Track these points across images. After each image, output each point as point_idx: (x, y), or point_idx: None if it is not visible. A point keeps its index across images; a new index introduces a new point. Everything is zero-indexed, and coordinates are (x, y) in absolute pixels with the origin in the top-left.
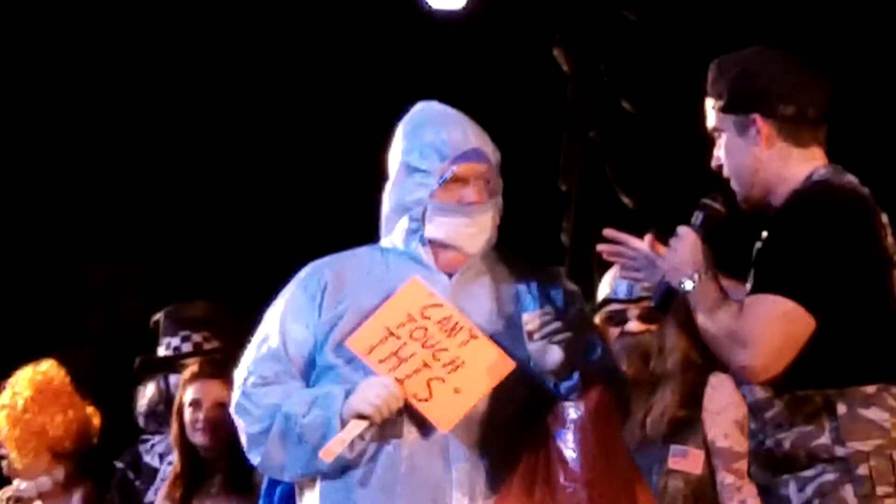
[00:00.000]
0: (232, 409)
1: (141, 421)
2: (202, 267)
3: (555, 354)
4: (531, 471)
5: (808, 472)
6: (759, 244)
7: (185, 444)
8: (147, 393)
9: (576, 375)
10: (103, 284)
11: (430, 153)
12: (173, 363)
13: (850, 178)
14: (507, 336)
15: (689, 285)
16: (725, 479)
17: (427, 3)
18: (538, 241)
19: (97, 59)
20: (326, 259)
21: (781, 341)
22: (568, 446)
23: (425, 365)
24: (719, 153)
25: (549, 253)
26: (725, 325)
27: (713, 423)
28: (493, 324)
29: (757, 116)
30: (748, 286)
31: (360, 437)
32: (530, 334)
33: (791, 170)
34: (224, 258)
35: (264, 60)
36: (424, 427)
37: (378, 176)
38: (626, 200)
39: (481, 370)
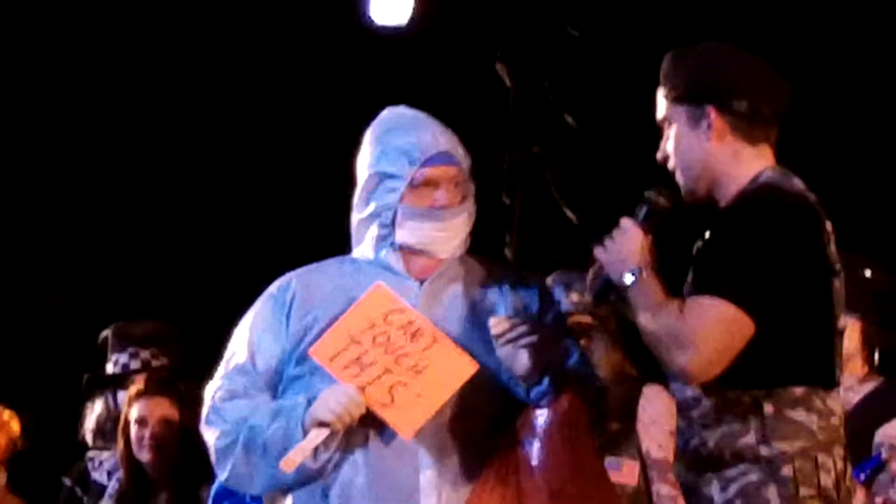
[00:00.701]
0: (202, 424)
1: (88, 438)
2: (146, 287)
3: (523, 359)
4: (501, 478)
5: (732, 472)
6: (700, 242)
7: (130, 462)
8: (95, 409)
9: (546, 381)
10: (51, 307)
11: (399, 157)
12: (121, 380)
13: (798, 183)
14: (479, 342)
15: (629, 280)
16: (661, 489)
17: (371, 19)
18: (483, 255)
19: (45, 81)
20: (295, 271)
21: (722, 345)
22: (535, 454)
23: (387, 370)
24: (667, 145)
25: None
26: (666, 324)
27: (647, 434)
28: (464, 330)
29: (711, 109)
30: (687, 284)
31: (325, 446)
32: (496, 338)
33: (739, 167)
34: (168, 278)
35: (207, 76)
36: (389, 434)
37: (323, 191)
38: (569, 215)
39: (444, 374)
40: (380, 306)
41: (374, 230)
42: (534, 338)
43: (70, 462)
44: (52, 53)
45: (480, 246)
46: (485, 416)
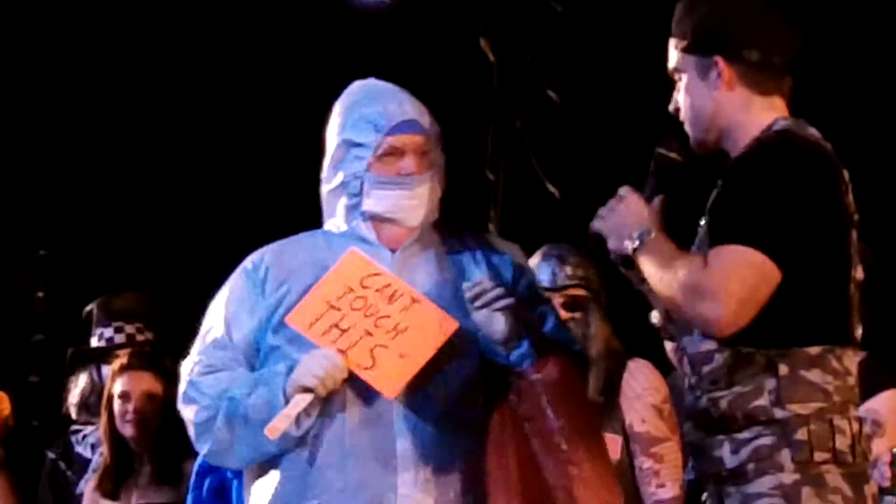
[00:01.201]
0: (179, 401)
1: (73, 411)
2: (126, 260)
3: (499, 322)
4: (504, 450)
5: (744, 434)
6: (715, 192)
7: (114, 436)
8: (79, 383)
9: (525, 344)
10: (22, 278)
11: (366, 126)
12: (106, 354)
13: (814, 132)
14: (454, 308)
15: (636, 244)
16: (643, 463)
17: None
18: (466, 230)
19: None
20: (269, 246)
21: (749, 293)
22: (534, 423)
23: (368, 333)
24: (678, 96)
25: None
26: (688, 278)
27: (631, 408)
28: (438, 296)
29: (719, 59)
30: (701, 235)
31: (307, 413)
32: (471, 302)
33: (750, 117)
34: (146, 251)
35: (189, 53)
36: (370, 399)
37: (303, 167)
38: (552, 190)
39: (425, 333)
40: (356, 271)
41: (343, 200)
42: (508, 300)
43: (53, 436)
44: (33, 37)
45: (463, 220)
46: (463, 383)
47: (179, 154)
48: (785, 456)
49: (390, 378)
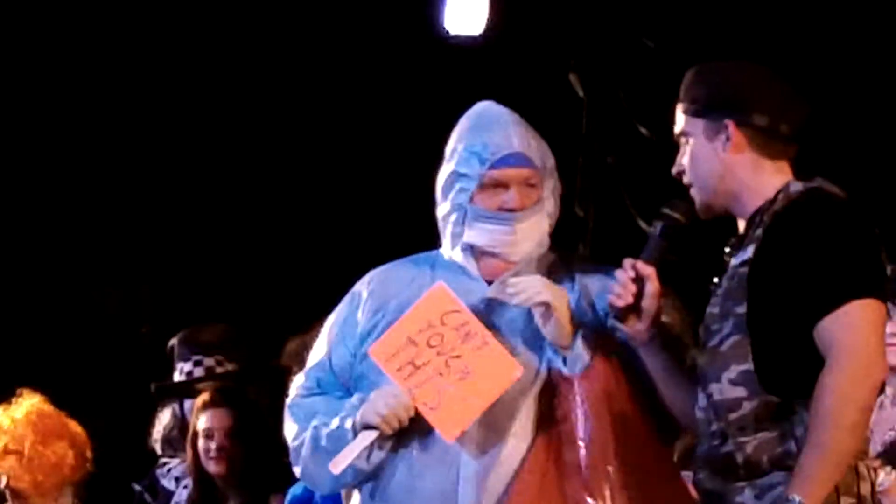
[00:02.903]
0: (284, 419)
1: (157, 447)
2: (211, 290)
3: (552, 324)
4: (543, 454)
5: (769, 480)
6: (752, 254)
7: (199, 472)
8: (163, 419)
9: (579, 345)
10: (116, 308)
11: (471, 158)
12: (187, 388)
13: (838, 189)
14: (535, 344)
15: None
16: None
17: (446, 29)
18: (581, 257)
19: (67, 86)
20: (380, 268)
21: (877, 341)
22: (577, 427)
23: (438, 373)
24: (683, 159)
25: None
26: (844, 400)
27: None
28: (526, 331)
29: (730, 122)
30: (722, 295)
31: (378, 447)
32: (512, 295)
33: (760, 181)
34: (233, 280)
35: (281, 83)
36: (434, 437)
37: (400, 199)
38: (643, 226)
39: (491, 377)
40: (439, 307)
41: (450, 227)
42: (545, 295)
43: (142, 468)
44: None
45: None
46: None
47: (283, 189)
48: None
49: (452, 421)
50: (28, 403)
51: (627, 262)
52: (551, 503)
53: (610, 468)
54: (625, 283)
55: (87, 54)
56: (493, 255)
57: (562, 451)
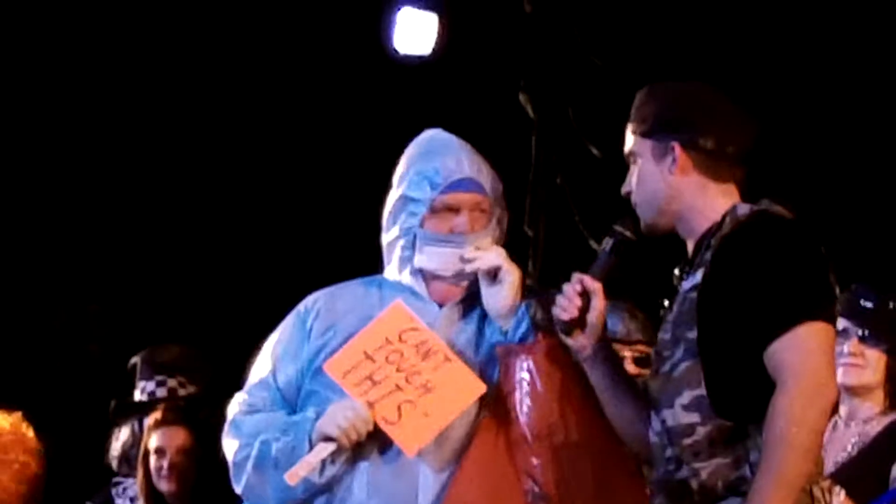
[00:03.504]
0: (223, 437)
1: (114, 464)
2: (160, 309)
3: (499, 295)
4: (490, 431)
5: None
6: (693, 283)
7: (150, 491)
8: (121, 436)
9: (525, 323)
10: (64, 327)
11: (422, 182)
12: (148, 408)
13: (783, 210)
14: (489, 365)
15: None
16: None
17: (395, 49)
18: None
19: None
20: (325, 289)
21: (828, 363)
22: (519, 402)
23: (398, 388)
24: (632, 179)
25: None
26: (795, 419)
27: None
28: (478, 354)
29: (675, 144)
30: (675, 316)
31: (332, 461)
32: (466, 265)
33: (706, 202)
34: (195, 302)
35: (229, 105)
36: (392, 452)
37: (349, 217)
38: (593, 245)
39: (453, 394)
40: (396, 325)
41: (398, 252)
42: (495, 261)
43: (91, 487)
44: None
45: None
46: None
47: (233, 208)
48: None
49: (412, 436)
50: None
51: (576, 276)
52: (501, 477)
53: (556, 440)
54: (571, 297)
55: (40, 81)
56: (443, 278)
57: (509, 425)
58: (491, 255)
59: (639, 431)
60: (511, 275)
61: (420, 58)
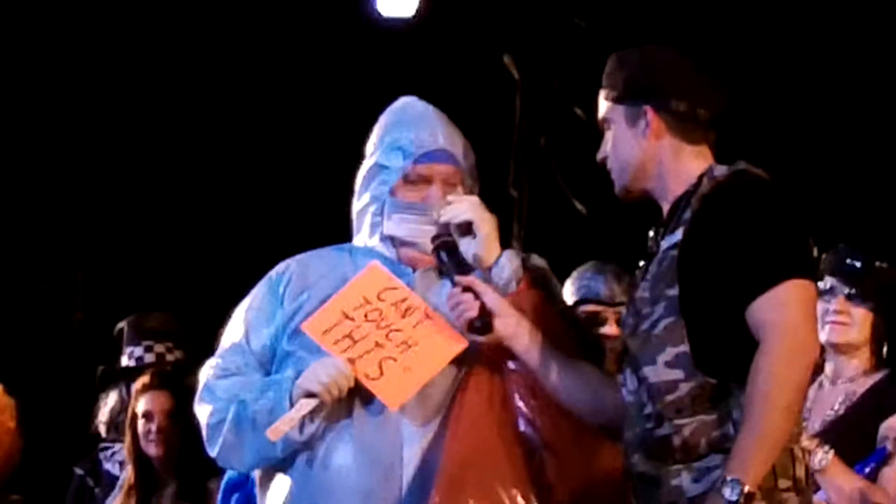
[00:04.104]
0: (195, 402)
1: (102, 429)
2: (145, 277)
3: (480, 245)
4: (484, 380)
5: (706, 463)
6: (681, 237)
7: (138, 455)
8: (109, 402)
9: (502, 259)
10: (49, 295)
11: (395, 152)
12: (135, 373)
13: (761, 171)
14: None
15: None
16: None
17: (378, 11)
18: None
19: (38, 69)
20: (296, 256)
21: (811, 317)
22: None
23: (378, 345)
24: (606, 146)
25: None
26: (779, 378)
27: None
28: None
29: (648, 108)
30: (667, 291)
31: (311, 419)
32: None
33: (681, 165)
34: (179, 270)
35: (210, 67)
36: (374, 408)
37: (329, 185)
38: (578, 207)
39: (434, 349)
40: (374, 285)
41: (368, 218)
42: (461, 209)
43: (81, 452)
44: (51, 38)
45: None
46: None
47: (214, 175)
48: None
49: (394, 391)
50: None
51: (449, 288)
52: (498, 428)
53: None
54: (462, 299)
55: (22, 53)
56: (413, 245)
57: (501, 376)
58: (462, 206)
59: (588, 396)
60: (484, 226)
61: (403, 20)
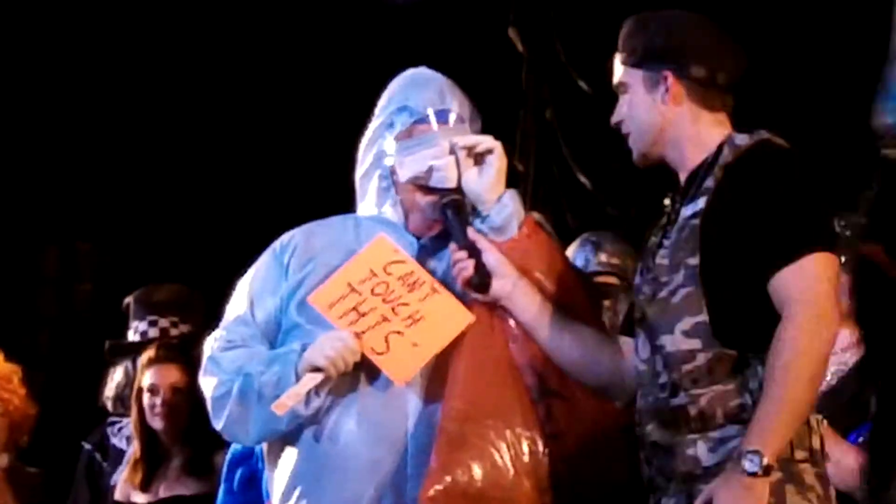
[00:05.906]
0: (200, 374)
1: (109, 404)
2: (159, 249)
3: (488, 174)
4: (488, 328)
5: (722, 433)
6: (706, 203)
7: (144, 429)
8: (115, 377)
9: (506, 197)
10: (55, 266)
11: (402, 112)
12: (141, 348)
13: (781, 140)
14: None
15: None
16: None
17: None
18: None
19: (44, 49)
20: (300, 227)
21: (833, 293)
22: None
23: (385, 319)
24: (622, 110)
25: None
26: (801, 349)
27: None
28: (456, 284)
29: (668, 73)
30: (687, 260)
31: (317, 393)
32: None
33: (701, 132)
34: (188, 242)
35: (217, 45)
36: (380, 382)
37: (334, 157)
38: (582, 180)
39: (441, 324)
40: (381, 257)
41: (375, 182)
42: (472, 140)
43: (89, 427)
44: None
45: None
46: None
47: (223, 146)
48: None
49: (401, 365)
50: None
51: (454, 247)
52: (504, 374)
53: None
54: (460, 258)
55: (22, 27)
56: (429, 190)
57: (505, 324)
58: (488, 137)
59: (585, 359)
60: (500, 160)
61: None
